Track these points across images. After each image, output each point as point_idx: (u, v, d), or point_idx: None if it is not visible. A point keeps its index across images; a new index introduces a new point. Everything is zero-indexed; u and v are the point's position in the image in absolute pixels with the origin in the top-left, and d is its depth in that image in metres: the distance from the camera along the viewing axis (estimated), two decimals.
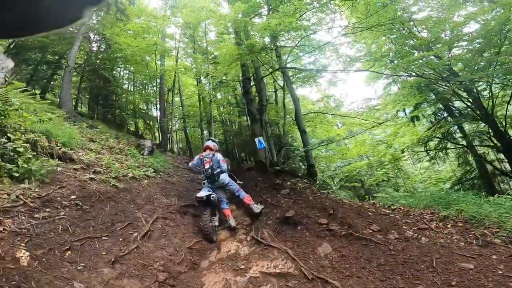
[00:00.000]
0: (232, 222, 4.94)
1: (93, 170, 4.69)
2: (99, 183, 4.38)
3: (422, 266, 3.21)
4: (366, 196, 6.68)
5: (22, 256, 2.52)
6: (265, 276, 3.77)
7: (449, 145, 9.75)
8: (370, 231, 3.95)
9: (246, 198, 5.14)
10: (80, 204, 3.68)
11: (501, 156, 9.07)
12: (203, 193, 4.73)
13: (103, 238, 3.42)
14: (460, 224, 3.71)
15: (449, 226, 3.73)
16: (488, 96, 8.63)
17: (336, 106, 13.90)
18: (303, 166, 10.68)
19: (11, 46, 10.62)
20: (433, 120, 10.19)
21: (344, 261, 3.64)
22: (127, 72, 15.59)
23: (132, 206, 4.37)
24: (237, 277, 3.86)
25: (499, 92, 8.65)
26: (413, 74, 9.73)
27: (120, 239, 3.58)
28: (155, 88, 15.36)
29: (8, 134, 3.77)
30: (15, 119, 4.10)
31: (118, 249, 3.40)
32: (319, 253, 3.97)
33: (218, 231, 5.06)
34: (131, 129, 13.95)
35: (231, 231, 5.00)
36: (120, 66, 14.43)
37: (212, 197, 4.79)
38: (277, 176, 6.37)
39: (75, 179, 4.18)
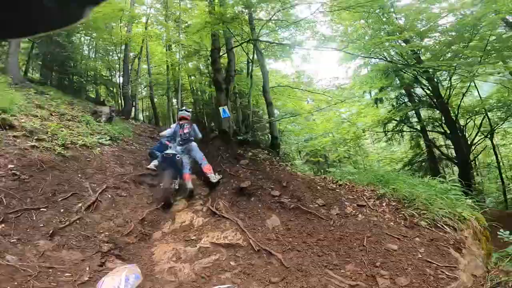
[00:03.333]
0: (189, 185, 5.01)
1: (36, 137, 4.36)
2: (42, 151, 4.11)
3: (355, 244, 3.44)
4: (318, 170, 7.01)
5: None
6: (215, 247, 3.92)
7: (405, 128, 10.40)
8: (316, 205, 4.16)
9: (206, 167, 5.20)
10: (18, 174, 3.47)
11: (449, 142, 9.89)
12: (170, 151, 4.86)
13: (42, 209, 3.30)
14: (393, 203, 3.99)
15: (384, 204, 4.00)
16: (447, 86, 9.15)
17: (308, 82, 14.00)
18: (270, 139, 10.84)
19: None
20: (394, 104, 10.72)
21: (289, 234, 3.84)
22: (88, 38, 14.20)
23: (79, 175, 4.20)
24: (187, 247, 3.98)
25: (457, 83, 9.19)
26: (383, 58, 10.00)
27: (61, 210, 3.47)
28: (119, 55, 14.29)
29: None
30: None
31: (58, 220, 3.30)
32: (267, 226, 4.17)
33: (175, 202, 5.08)
34: (91, 95, 13.07)
35: (188, 200, 5.04)
36: (80, 32, 13.05)
37: (178, 157, 4.85)
38: (239, 147, 6.40)
39: (14, 147, 3.90)
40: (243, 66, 12.26)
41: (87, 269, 2.91)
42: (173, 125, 5.55)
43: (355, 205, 4.07)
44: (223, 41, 9.26)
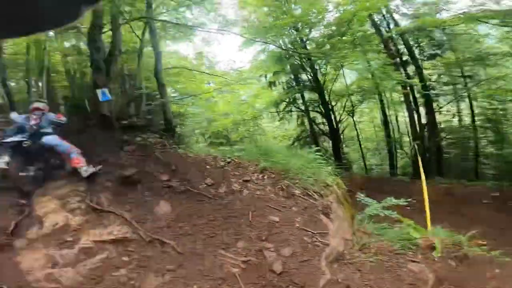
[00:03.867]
0: (84, 172, 4.32)
1: None
2: None
3: (242, 220, 3.57)
4: (212, 149, 7.17)
5: None
6: (100, 245, 3.53)
7: (293, 108, 11.89)
8: (205, 185, 4.15)
9: (75, 160, 4.35)
10: None
11: (325, 120, 11.91)
12: (16, 138, 4.06)
13: None
14: (273, 176, 4.32)
15: (265, 177, 4.31)
16: (323, 73, 10.78)
17: (209, 65, 13.84)
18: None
19: None
20: (285, 87, 12.01)
21: (180, 220, 3.75)
22: None
23: None
24: (63, 251, 3.47)
25: (331, 71, 10.94)
26: (276, 45, 10.84)
27: None
28: None
29: None
30: None
31: None
32: (157, 213, 3.94)
33: (42, 203, 4.27)
34: None
35: (60, 198, 4.31)
36: None
37: (25, 144, 4.08)
38: (125, 132, 5.79)
39: None
40: (137, 47, 11.02)
41: None
42: (22, 116, 4.47)
43: (241, 181, 4.23)
44: (108, 18, 7.97)
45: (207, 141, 14.31)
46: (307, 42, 11.20)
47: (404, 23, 11.00)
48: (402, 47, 11.31)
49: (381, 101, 11.21)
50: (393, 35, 10.83)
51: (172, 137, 6.61)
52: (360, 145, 12.37)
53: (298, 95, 11.80)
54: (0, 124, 7.56)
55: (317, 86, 10.97)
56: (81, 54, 11.85)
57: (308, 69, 11.33)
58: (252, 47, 12.79)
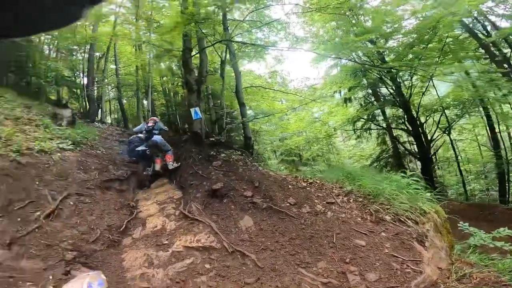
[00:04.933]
0: (157, 167, 5.98)
1: None
2: None
3: (325, 241, 3.50)
4: (293, 169, 7.16)
5: None
6: (188, 250, 3.85)
7: (372, 126, 10.94)
8: (287, 204, 4.19)
9: (169, 155, 6.01)
10: None
11: (411, 139, 10.57)
12: (141, 148, 5.88)
13: None
14: (360, 199, 4.11)
15: (351, 201, 4.13)
16: (408, 85, 9.73)
17: (282, 83, 14.22)
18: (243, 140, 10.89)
19: None
20: (362, 103, 11.23)
21: (262, 235, 3.84)
22: (49, 37, 13.25)
23: (37, 183, 3.91)
24: (159, 252, 3.88)
25: (417, 83, 9.81)
26: (350, 58, 10.43)
27: (18, 219, 3.26)
28: (84, 55, 13.52)
29: None
30: None
31: (15, 230, 3.10)
32: (240, 227, 4.15)
33: (146, 206, 4.96)
34: (52, 97, 12.21)
35: (160, 204, 4.94)
36: None
37: (148, 152, 5.91)
38: (212, 148, 6.31)
39: None
40: (217, 67, 12.19)
41: (51, 277, 2.80)
42: (142, 123, 6.70)
43: (324, 202, 4.15)
44: (196, 42, 9.13)
45: (279, 159, 14.47)
46: (384, 53, 10.40)
47: (504, 24, 9.29)
48: (507, 51, 9.43)
49: (488, 115, 9.34)
50: (496, 39, 9.14)
51: (251, 154, 6.86)
52: (459, 167, 10.41)
53: (378, 111, 10.84)
54: (118, 136, 9.48)
55: (401, 101, 9.89)
56: (174, 75, 13.85)
57: (389, 82, 10.39)
58: (324, 62, 12.67)
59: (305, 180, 4.86)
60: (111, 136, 8.59)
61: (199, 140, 6.36)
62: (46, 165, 4.35)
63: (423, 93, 9.96)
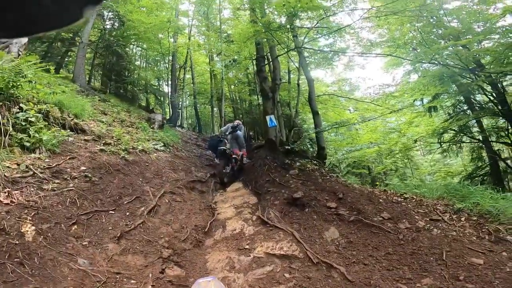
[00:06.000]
0: (245, 161, 6.79)
1: (103, 141, 4.66)
2: (109, 154, 4.36)
3: (431, 258, 3.16)
4: (378, 183, 6.56)
5: (27, 231, 2.45)
6: (269, 257, 3.78)
7: (464, 138, 9.41)
8: (380, 218, 3.89)
9: (244, 151, 6.74)
10: (90, 176, 3.65)
11: None
12: (223, 147, 6.48)
13: (110, 212, 3.40)
14: (474, 218, 3.61)
15: (463, 219, 3.64)
16: None
17: (350, 90, 13.52)
18: (311, 149, 10.60)
19: None
20: (451, 112, 9.79)
21: (352, 248, 3.61)
22: (140, 49, 15.47)
23: (140, 179, 4.37)
24: (241, 256, 3.89)
25: None
26: (437, 62, 9.29)
27: (127, 213, 3.57)
28: (167, 65, 15.29)
29: (21, 104, 3.71)
30: (28, 90, 4.02)
31: (124, 224, 3.38)
32: (325, 238, 3.95)
33: (223, 209, 5.12)
34: (142, 104, 14.03)
35: (236, 208, 5.05)
36: (133, 43, 14.32)
37: (228, 151, 6.47)
38: (286, 156, 6.27)
39: (85, 150, 4.17)
40: (282, 74, 12.29)
41: (150, 275, 2.92)
42: (229, 124, 7.50)
43: (427, 219, 3.74)
44: (267, 50, 9.38)
45: (344, 170, 13.65)
46: (479, 55, 8.92)
47: None
48: None
49: None
50: None
51: (324, 164, 6.59)
52: None
53: (472, 122, 9.28)
54: (194, 140, 10.36)
55: (505, 110, 8.28)
56: (243, 84, 14.57)
57: (488, 88, 8.84)
58: (401, 67, 11.61)
59: (398, 194, 4.43)
60: (190, 140, 9.31)
61: (274, 148, 6.38)
62: (146, 164, 4.87)
63: None
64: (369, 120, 10.12)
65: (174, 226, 4.00)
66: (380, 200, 4.24)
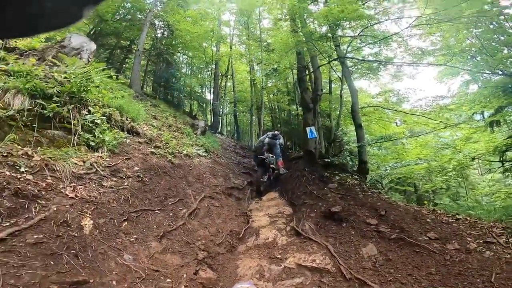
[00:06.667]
0: (282, 170, 6.55)
1: (154, 144, 5.11)
2: (158, 157, 4.76)
3: (478, 280, 2.92)
4: (425, 202, 6.07)
5: (86, 224, 2.66)
6: (300, 268, 3.74)
7: None
8: (426, 238, 3.65)
9: (280, 161, 6.54)
10: (141, 176, 3.99)
11: None
12: (262, 156, 6.56)
13: (156, 211, 3.66)
14: None
15: None
16: None
17: (397, 102, 12.72)
18: (350, 162, 10.18)
19: (91, 32, 12.07)
20: None
21: (389, 266, 3.44)
22: (186, 57, 16.53)
23: (183, 182, 4.68)
24: (271, 265, 3.91)
25: None
26: (501, 72, 8.37)
27: (170, 214, 3.83)
28: (209, 73, 16.07)
29: (89, 107, 4.26)
30: (95, 94, 4.54)
31: (167, 224, 3.61)
32: (362, 254, 3.80)
33: (258, 217, 5.19)
34: (186, 109, 14.90)
35: (270, 217, 5.08)
36: (180, 51, 15.34)
37: (266, 160, 6.49)
38: (325, 169, 6.16)
39: (139, 152, 4.61)
40: (323, 84, 12.08)
41: (185, 276, 3.04)
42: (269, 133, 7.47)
43: (480, 241, 3.42)
44: (307, 59, 9.35)
45: (387, 186, 12.78)
46: None
47: None
48: None
49: None
50: None
51: (365, 179, 6.31)
52: None
53: None
54: (233, 147, 10.75)
55: None
56: (282, 93, 14.64)
57: None
58: (458, 77, 10.66)
59: (448, 215, 4.09)
60: (229, 147, 9.65)
61: (312, 160, 6.33)
62: (189, 168, 5.21)
63: None
64: (419, 135, 9.40)
65: (211, 230, 4.18)
66: (428, 220, 3.96)
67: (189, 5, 13.61)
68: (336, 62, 9.81)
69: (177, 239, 3.54)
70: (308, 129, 6.44)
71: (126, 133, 4.80)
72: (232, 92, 16.76)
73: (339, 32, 9.33)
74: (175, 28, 12.60)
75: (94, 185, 3.25)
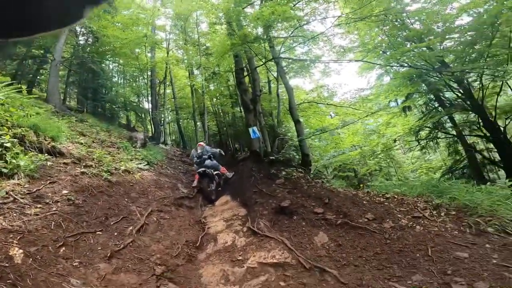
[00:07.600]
0: (228, 175, 6.68)
1: (84, 164, 4.56)
2: (91, 177, 4.26)
3: (418, 254, 3.26)
4: (361, 185, 6.74)
5: (15, 254, 2.42)
6: (263, 266, 3.77)
7: (439, 134, 9.90)
8: (366, 220, 4.00)
9: (222, 169, 6.54)
10: (72, 199, 3.57)
11: (491, 145, 9.27)
12: (200, 169, 6.32)
13: (98, 233, 3.34)
14: (453, 213, 3.76)
15: (442, 214, 3.78)
16: (478, 87, 8.73)
17: (329, 96, 13.89)
18: (297, 156, 10.76)
19: None
20: (424, 110, 10.32)
21: (341, 250, 3.68)
22: (117, 65, 15.26)
23: (126, 199, 4.29)
24: (234, 268, 3.86)
25: (489, 83, 8.75)
26: (406, 64, 9.80)
27: (115, 233, 3.51)
28: (146, 81, 15.13)
29: None
30: (1, 114, 3.90)
31: (113, 243, 3.32)
32: (315, 243, 4.01)
33: (213, 222, 5.08)
34: (123, 122, 13.73)
35: (226, 221, 5.02)
36: (109, 59, 14.08)
37: (207, 172, 6.33)
38: (271, 166, 6.35)
39: (66, 174, 4.06)
40: (262, 84, 12.46)
41: None
42: (193, 150, 7.21)
43: (409, 217, 3.87)
44: (245, 62, 9.54)
45: (331, 174, 13.88)
46: (442, 56, 9.52)
47: None
48: None
49: None
50: None
51: (310, 171, 6.71)
52: None
53: (445, 118, 9.78)
54: (179, 156, 10.26)
55: (473, 104, 8.81)
56: (224, 96, 14.58)
57: (454, 85, 9.38)
58: (374, 71, 12.12)
59: (380, 195, 4.59)
60: (175, 157, 9.20)
61: (259, 159, 6.46)
62: (130, 184, 4.78)
63: (498, 94, 8.77)
64: (348, 124, 10.43)
65: (165, 243, 3.94)
66: (364, 202, 4.38)
67: (118, 10, 12.57)
68: (272, 62, 10.24)
69: (128, 257, 3.27)
70: (250, 129, 6.57)
71: (46, 154, 4.18)
72: (173, 99, 16.04)
73: (274, 33, 9.76)
74: (102, 34, 11.55)
75: (15, 214, 2.88)
